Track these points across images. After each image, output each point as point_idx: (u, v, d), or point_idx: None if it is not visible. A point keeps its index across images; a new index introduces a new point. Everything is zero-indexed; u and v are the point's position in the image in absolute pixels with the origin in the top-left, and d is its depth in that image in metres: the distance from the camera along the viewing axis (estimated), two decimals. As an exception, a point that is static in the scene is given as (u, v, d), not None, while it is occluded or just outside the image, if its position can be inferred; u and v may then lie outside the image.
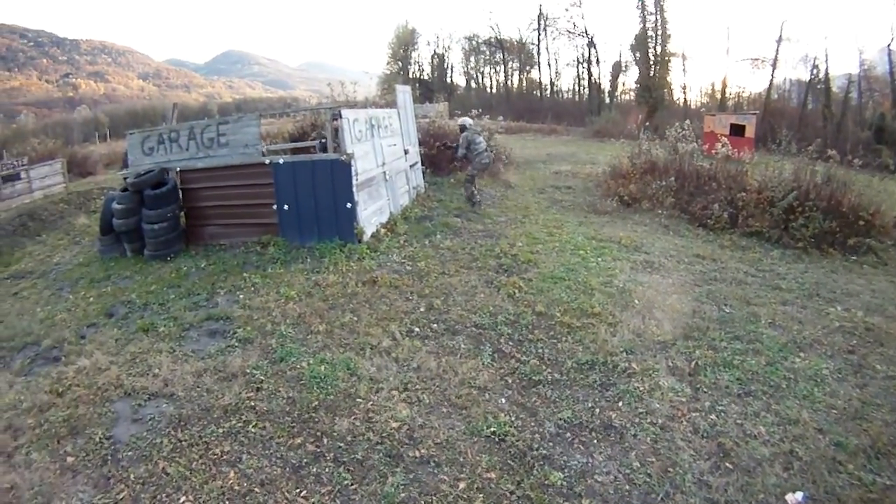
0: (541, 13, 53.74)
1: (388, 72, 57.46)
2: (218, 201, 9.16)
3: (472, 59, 61.12)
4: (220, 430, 4.29)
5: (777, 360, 5.31)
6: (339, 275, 7.30)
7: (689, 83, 55.51)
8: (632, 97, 49.03)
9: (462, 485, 3.69)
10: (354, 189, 8.36)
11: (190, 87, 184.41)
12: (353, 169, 8.35)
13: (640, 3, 45.70)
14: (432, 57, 60.50)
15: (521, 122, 38.54)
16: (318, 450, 4.06)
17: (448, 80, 60.43)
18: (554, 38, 56.67)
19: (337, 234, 8.44)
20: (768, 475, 3.78)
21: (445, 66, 60.68)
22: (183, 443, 4.18)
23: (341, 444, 4.09)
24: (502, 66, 59.17)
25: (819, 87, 40.26)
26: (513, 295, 6.72)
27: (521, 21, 79.55)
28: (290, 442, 4.15)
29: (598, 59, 52.36)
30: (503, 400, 4.68)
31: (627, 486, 3.71)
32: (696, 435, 4.21)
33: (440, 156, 14.17)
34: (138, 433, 4.34)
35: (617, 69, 51.26)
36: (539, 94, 55.96)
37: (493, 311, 6.28)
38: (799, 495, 3.58)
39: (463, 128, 11.78)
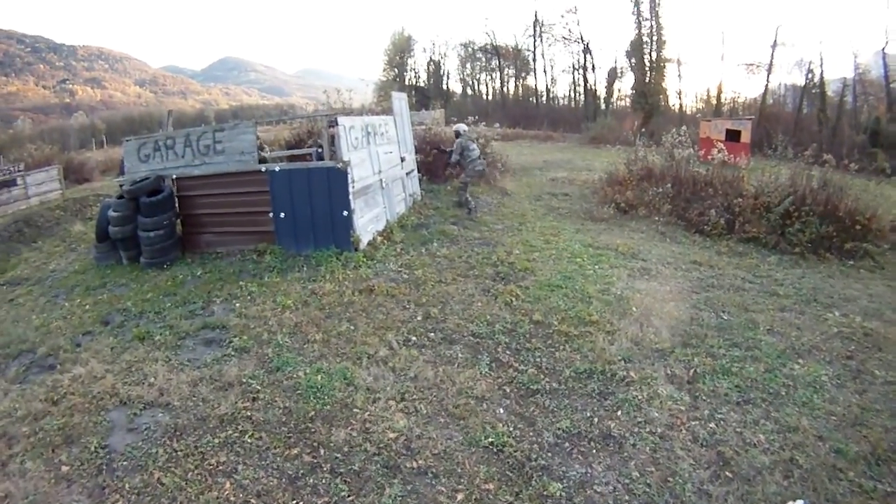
0: (536, 20, 53.88)
1: (385, 79, 57.60)
2: (214, 209, 9.12)
3: (469, 65, 61.25)
4: (216, 441, 4.26)
5: (776, 367, 5.30)
6: (336, 283, 7.27)
7: (684, 89, 55.58)
8: (627, 103, 49.24)
9: (460, 496, 3.66)
10: (351, 197, 8.33)
11: (187, 93, 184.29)
12: (349, 177, 8.32)
13: (636, 9, 46.07)
14: (428, 64, 60.63)
15: (517, 129, 38.54)
16: (315, 461, 4.02)
17: (444, 86, 60.50)
18: (550, 45, 56.84)
19: (333, 242, 8.40)
20: (768, 483, 3.76)
21: (441, 72, 60.77)
22: (178, 453, 4.14)
23: (338, 455, 4.06)
24: (498, 73, 59.29)
25: (814, 91, 40.49)
26: (510, 303, 6.70)
27: (517, 28, 79.54)
28: (287, 452, 4.11)
29: (593, 66, 52.64)
30: (501, 410, 4.66)
31: (627, 497, 3.68)
32: (695, 444, 4.19)
33: (437, 163, 14.16)
34: (133, 443, 4.30)
35: (612, 75, 51.49)
36: (535, 101, 56.07)
37: (491, 319, 6.26)
38: (800, 503, 3.57)
39: (458, 134, 11.91)
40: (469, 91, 61.74)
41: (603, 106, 50.88)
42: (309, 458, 4.06)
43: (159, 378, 5.18)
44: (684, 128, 14.52)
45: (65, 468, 4.05)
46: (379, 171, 9.89)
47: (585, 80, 52.86)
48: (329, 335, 5.92)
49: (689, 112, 46.58)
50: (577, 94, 54.51)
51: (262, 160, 9.64)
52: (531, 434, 4.33)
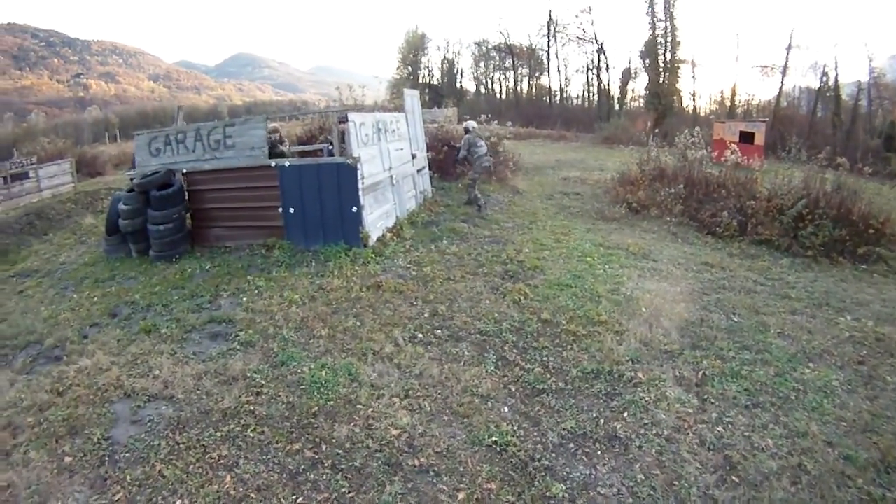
0: (551, 19, 53.72)
1: (398, 76, 57.52)
2: (223, 203, 9.16)
3: (482, 64, 61.19)
4: (219, 434, 4.25)
5: (786, 371, 5.22)
6: (344, 279, 7.26)
7: (698, 90, 55.40)
8: (641, 104, 48.95)
9: (461, 495, 3.63)
10: (360, 193, 8.32)
11: (200, 89, 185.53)
12: (359, 172, 8.31)
13: (650, 9, 45.71)
14: (442, 62, 60.56)
15: (530, 128, 38.49)
16: (317, 456, 4.00)
17: (458, 85, 60.38)
18: (564, 45, 56.30)
19: (342, 237, 8.40)
20: (776, 489, 3.69)
21: (455, 71, 60.69)
22: (181, 446, 4.14)
23: (340, 451, 4.04)
24: (512, 72, 59.14)
25: (829, 94, 40.05)
26: (518, 302, 6.65)
27: (531, 27, 79.43)
28: (289, 448, 4.10)
29: (607, 66, 52.41)
30: (506, 409, 4.62)
31: (631, 500, 3.63)
32: (702, 447, 4.13)
33: (448, 160, 14.17)
34: (136, 435, 4.31)
35: (626, 76, 51.21)
36: (548, 101, 55.91)
37: (498, 317, 6.22)
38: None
39: (466, 130, 12.07)
40: (482, 90, 61.69)
41: (616, 106, 50.57)
42: (310, 453, 4.04)
43: (164, 371, 5.19)
44: (697, 129, 14.45)
45: (68, 459, 4.06)
46: (389, 167, 9.87)
47: (599, 81, 52.69)
48: (335, 331, 5.91)
49: (702, 113, 46.29)
50: (591, 94, 54.29)
51: (283, 154, 9.68)
52: (535, 434, 4.29)
